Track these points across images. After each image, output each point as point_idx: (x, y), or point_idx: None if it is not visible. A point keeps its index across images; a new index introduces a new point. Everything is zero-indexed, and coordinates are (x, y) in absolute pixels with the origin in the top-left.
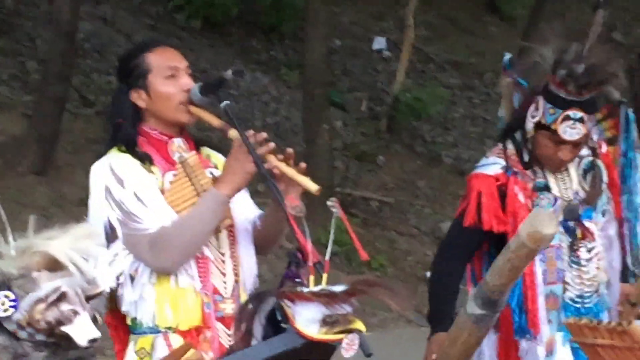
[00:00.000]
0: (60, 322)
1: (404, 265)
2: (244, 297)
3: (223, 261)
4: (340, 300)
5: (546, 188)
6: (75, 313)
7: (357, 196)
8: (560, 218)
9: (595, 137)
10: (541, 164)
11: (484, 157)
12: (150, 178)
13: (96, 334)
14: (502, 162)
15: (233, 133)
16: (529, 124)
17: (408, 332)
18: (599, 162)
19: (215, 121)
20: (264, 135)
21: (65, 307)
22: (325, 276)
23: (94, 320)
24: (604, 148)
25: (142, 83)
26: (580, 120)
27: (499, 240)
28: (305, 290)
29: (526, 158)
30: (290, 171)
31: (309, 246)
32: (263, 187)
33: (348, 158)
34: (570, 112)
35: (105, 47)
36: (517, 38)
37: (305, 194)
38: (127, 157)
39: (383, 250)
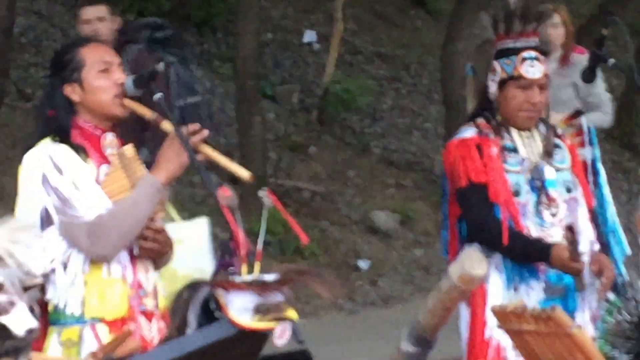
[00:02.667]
0: None
1: (335, 253)
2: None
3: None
4: (272, 289)
5: (514, 150)
6: (12, 303)
7: (290, 186)
8: (528, 177)
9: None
10: (508, 128)
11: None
12: (87, 168)
13: (33, 324)
14: (475, 128)
15: (166, 125)
16: (492, 87)
17: (340, 319)
18: (560, 142)
19: (148, 113)
20: (197, 125)
21: (1, 297)
22: (257, 265)
23: (31, 310)
24: (568, 141)
25: (76, 77)
26: (536, 59)
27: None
28: (238, 279)
29: (494, 123)
30: (223, 159)
31: (241, 236)
32: (198, 178)
33: (280, 149)
34: (524, 54)
35: (42, 41)
36: (442, 31)
37: (240, 184)
38: (64, 147)
39: (315, 238)
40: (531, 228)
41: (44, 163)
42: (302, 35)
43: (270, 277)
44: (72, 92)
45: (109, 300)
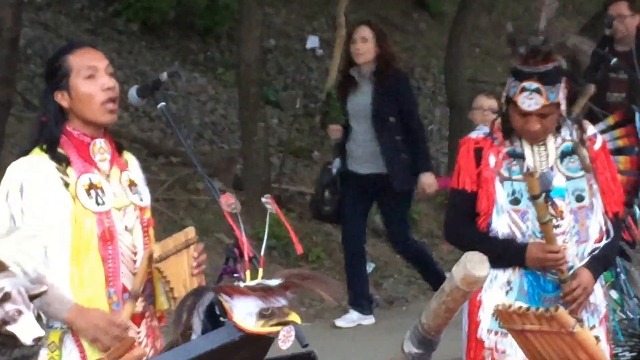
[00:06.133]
0: (5, 322)
1: (339, 257)
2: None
3: (134, 260)
4: (276, 294)
5: (521, 157)
6: (20, 313)
7: (294, 191)
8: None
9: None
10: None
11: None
12: (58, 187)
13: (41, 332)
14: (487, 129)
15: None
16: (503, 99)
17: None
18: (582, 150)
19: None
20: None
21: (9, 307)
22: (261, 270)
23: (38, 318)
24: (598, 144)
25: (64, 84)
26: (537, 91)
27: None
28: (242, 284)
29: (504, 129)
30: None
31: (244, 242)
32: (201, 185)
33: (284, 154)
34: (526, 84)
35: (47, 52)
36: (445, 34)
37: (244, 190)
38: (43, 160)
39: (319, 243)
40: (530, 237)
41: (13, 181)
42: (305, 41)
43: (273, 282)
44: (62, 99)
45: None
